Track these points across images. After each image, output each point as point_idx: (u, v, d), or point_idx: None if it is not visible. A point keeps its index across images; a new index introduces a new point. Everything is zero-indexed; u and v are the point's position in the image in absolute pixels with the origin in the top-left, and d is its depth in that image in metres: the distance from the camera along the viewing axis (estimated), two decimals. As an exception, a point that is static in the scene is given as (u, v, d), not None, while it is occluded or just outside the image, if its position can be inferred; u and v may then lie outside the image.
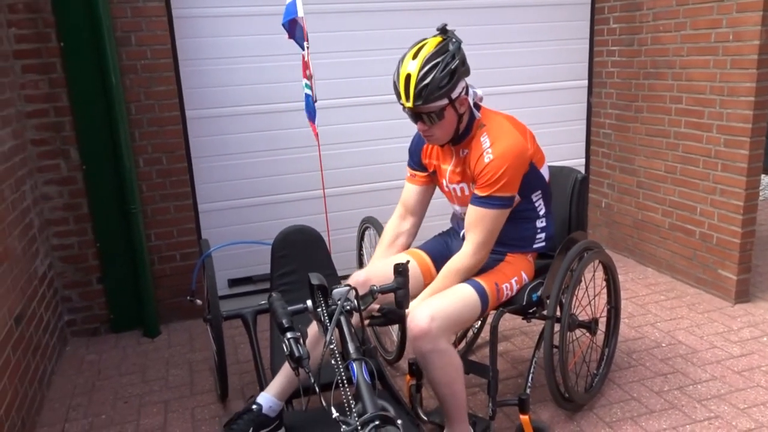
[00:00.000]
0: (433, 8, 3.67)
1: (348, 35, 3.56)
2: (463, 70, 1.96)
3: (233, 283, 3.65)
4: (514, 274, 2.18)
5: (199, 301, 2.69)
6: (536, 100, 4.06)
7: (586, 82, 4.19)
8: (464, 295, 2.02)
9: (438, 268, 2.22)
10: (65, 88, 3.02)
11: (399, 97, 1.96)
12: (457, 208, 2.27)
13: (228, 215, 3.56)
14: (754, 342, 2.95)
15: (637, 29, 3.75)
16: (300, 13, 2.80)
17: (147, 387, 2.82)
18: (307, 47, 2.86)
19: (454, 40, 1.97)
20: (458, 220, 2.33)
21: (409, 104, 1.94)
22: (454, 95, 1.96)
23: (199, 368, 2.98)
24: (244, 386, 2.79)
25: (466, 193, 2.15)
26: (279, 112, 3.52)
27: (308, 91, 2.89)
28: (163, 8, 3.11)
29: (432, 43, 1.95)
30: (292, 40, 2.88)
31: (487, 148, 2.00)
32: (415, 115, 1.98)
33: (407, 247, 2.34)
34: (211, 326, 2.51)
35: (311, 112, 2.90)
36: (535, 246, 2.24)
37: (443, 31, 1.99)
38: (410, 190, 2.30)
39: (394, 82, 1.97)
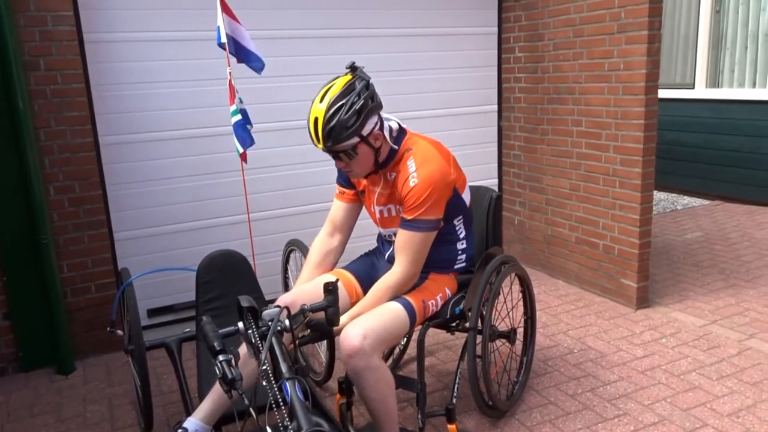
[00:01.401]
0: (351, 36, 3.79)
1: (269, 61, 3.59)
2: (372, 106, 2.02)
3: (153, 312, 3.54)
4: (438, 291, 2.28)
5: (120, 332, 2.60)
6: (450, 124, 4.26)
7: (496, 107, 4.44)
8: (394, 312, 2.09)
9: (364, 288, 2.29)
10: (-34, 114, 2.87)
11: (312, 139, 2.03)
12: (381, 230, 2.35)
13: (146, 243, 3.46)
14: (655, 343, 3.21)
15: (540, 58, 4.04)
16: (222, 39, 2.83)
17: (63, 426, 2.68)
18: (230, 72, 2.89)
19: (361, 78, 2.03)
20: (383, 241, 2.41)
21: (321, 145, 2.02)
22: (364, 132, 2.02)
23: (119, 402, 2.86)
24: (168, 417, 2.71)
25: (393, 214, 2.23)
26: (198, 137, 3.49)
27: (238, 117, 2.90)
28: (74, 32, 3.03)
29: (339, 84, 2.02)
30: (225, 65, 2.91)
31: (413, 172, 2.08)
32: (331, 153, 2.06)
33: (334, 265, 2.39)
34: (133, 357, 2.44)
35: (243, 138, 2.91)
36: (456, 267, 2.36)
37: (353, 69, 2.07)
38: (339, 207, 2.37)
39: (307, 125, 2.03)
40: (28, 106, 2.92)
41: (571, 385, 2.84)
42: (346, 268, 2.40)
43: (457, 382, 2.39)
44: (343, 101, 1.98)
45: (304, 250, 2.73)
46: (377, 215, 2.30)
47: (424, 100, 4.14)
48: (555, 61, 3.93)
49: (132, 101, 3.32)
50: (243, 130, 2.93)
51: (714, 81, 6.13)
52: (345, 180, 2.35)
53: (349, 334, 1.95)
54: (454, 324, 2.39)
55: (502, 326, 2.70)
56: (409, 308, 2.12)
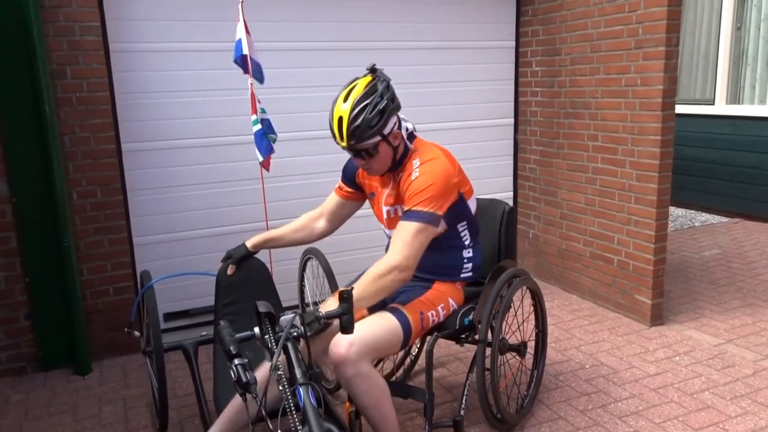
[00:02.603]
0: (373, 48, 3.85)
1: (288, 72, 3.66)
2: (393, 107, 2.10)
3: (169, 317, 3.60)
4: (441, 301, 2.28)
5: (137, 333, 2.66)
6: (466, 137, 4.29)
7: (512, 120, 4.46)
8: (386, 324, 2.09)
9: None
10: (-5, 119, 2.96)
11: (334, 137, 2.09)
12: (387, 231, 2.37)
13: (164, 248, 3.53)
14: (668, 361, 3.19)
15: (557, 72, 4.06)
16: (245, 51, 2.90)
17: (79, 426, 2.74)
18: (251, 83, 2.95)
19: (382, 79, 2.10)
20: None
21: (344, 143, 2.08)
22: (386, 131, 2.09)
23: (134, 404, 2.91)
24: (182, 420, 2.75)
25: (399, 214, 2.23)
26: (217, 146, 3.56)
27: (258, 127, 2.96)
28: (100, 42, 3.12)
29: (362, 84, 2.08)
30: (246, 76, 2.98)
31: (416, 168, 2.14)
32: (353, 151, 2.12)
33: (306, 243, 2.53)
34: (151, 358, 2.49)
35: (264, 147, 2.97)
36: (462, 275, 2.36)
37: (372, 70, 2.12)
38: (333, 199, 2.49)
39: (330, 124, 2.09)
40: (55, 113, 3.01)
41: (582, 400, 2.84)
42: (352, 284, 2.39)
43: (465, 393, 2.40)
44: (368, 101, 2.04)
45: (321, 259, 2.77)
46: (384, 215, 2.33)
47: (441, 113, 4.17)
48: (572, 75, 3.95)
49: (154, 109, 3.40)
50: (263, 139, 2.98)
51: (734, 97, 6.09)
52: (349, 180, 2.43)
53: (335, 343, 1.97)
54: (463, 336, 2.40)
55: (513, 339, 2.71)
56: (404, 322, 2.12)
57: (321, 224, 2.52)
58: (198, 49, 3.43)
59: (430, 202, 2.08)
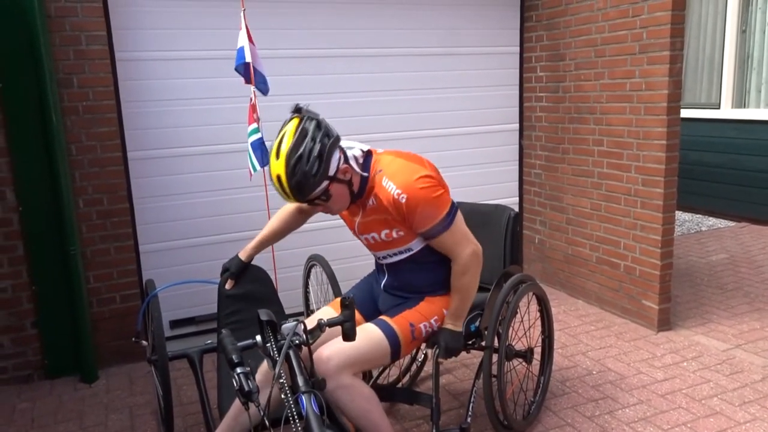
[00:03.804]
0: (372, 55, 3.86)
1: (295, 80, 3.67)
2: (330, 144, 1.91)
3: (175, 324, 3.60)
4: (434, 313, 2.20)
5: (144, 342, 2.66)
6: (471, 142, 4.29)
7: (517, 126, 4.46)
8: (367, 335, 2.05)
9: (365, 314, 2.27)
10: (2, 128, 2.98)
11: (281, 196, 1.94)
12: (373, 252, 2.28)
13: (170, 256, 3.54)
14: (676, 367, 3.17)
15: (561, 77, 4.06)
16: (247, 58, 2.91)
17: (85, 434, 2.75)
18: (254, 91, 2.96)
19: (310, 118, 1.92)
20: (378, 267, 2.36)
21: (292, 200, 1.96)
22: (331, 172, 1.93)
23: (140, 412, 2.92)
24: (188, 428, 2.75)
25: (381, 238, 2.14)
26: (222, 153, 3.57)
27: (257, 135, 2.97)
28: (106, 51, 3.14)
29: (290, 132, 1.89)
30: (248, 85, 2.99)
31: (395, 190, 1.99)
32: (305, 203, 2.00)
33: (296, 227, 2.46)
34: (156, 367, 2.49)
35: (261, 156, 2.98)
36: None
37: (297, 110, 1.96)
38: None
39: (272, 182, 1.94)
40: (61, 121, 3.03)
41: (589, 406, 2.82)
42: (347, 295, 2.31)
43: (472, 400, 2.39)
44: (300, 151, 1.86)
45: (325, 266, 2.77)
46: (363, 242, 2.24)
47: (445, 119, 4.17)
48: (576, 80, 3.94)
49: (159, 118, 3.41)
50: (261, 149, 2.98)
51: (740, 101, 6.06)
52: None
53: (316, 358, 1.95)
54: (469, 342, 2.39)
55: (519, 345, 2.70)
56: (389, 332, 2.09)
57: (302, 219, 2.44)
58: (201, 57, 3.45)
59: (440, 205, 2.03)
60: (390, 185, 2.00)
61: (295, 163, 1.86)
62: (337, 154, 1.95)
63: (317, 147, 1.87)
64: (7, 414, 2.92)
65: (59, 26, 3.01)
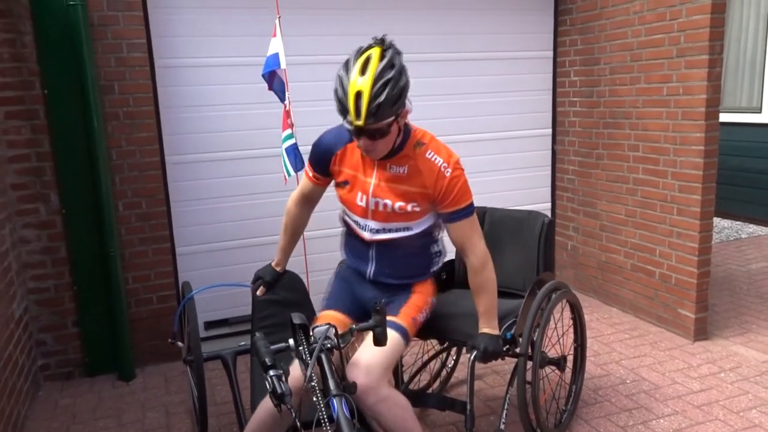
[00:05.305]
0: (409, 60, 3.83)
1: (324, 86, 3.71)
2: (408, 83, 1.92)
3: (209, 325, 3.67)
4: (424, 303, 2.26)
5: (180, 343, 2.72)
6: (504, 147, 4.27)
7: (550, 131, 4.42)
8: (390, 339, 2.02)
9: (354, 318, 2.24)
10: (47, 134, 3.09)
11: (346, 113, 1.87)
12: (360, 220, 2.17)
13: (206, 258, 3.61)
14: (713, 378, 3.09)
15: (596, 82, 4.01)
16: (282, 65, 2.95)
17: (123, 430, 2.82)
18: (288, 98, 3.00)
19: (397, 52, 1.90)
20: (358, 256, 2.28)
21: (360, 122, 1.85)
22: (401, 109, 1.93)
23: (176, 411, 2.98)
24: (221, 427, 2.80)
25: (389, 210, 2.10)
26: (257, 158, 3.63)
27: (291, 141, 3.01)
28: (146, 59, 3.23)
29: (376, 56, 1.86)
30: (271, 91, 3.03)
31: (442, 164, 2.04)
32: (360, 131, 1.90)
33: (304, 222, 2.46)
34: (191, 368, 2.55)
35: (295, 161, 3.02)
36: (433, 269, 2.31)
37: (381, 41, 1.90)
38: (311, 185, 2.30)
39: (340, 99, 1.87)
40: (103, 127, 3.12)
41: (623, 416, 2.78)
42: (331, 307, 2.29)
43: (505, 407, 2.38)
44: (389, 76, 1.83)
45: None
46: (371, 206, 2.13)
47: (479, 124, 4.17)
48: (611, 85, 3.89)
49: (195, 123, 3.49)
50: (295, 154, 3.02)
51: (783, 105, 5.90)
52: (322, 169, 2.22)
53: (352, 375, 1.94)
54: (504, 349, 2.38)
55: (552, 353, 2.67)
56: (402, 332, 2.12)
57: (307, 212, 2.44)
58: (236, 63, 3.51)
59: (467, 192, 2.10)
60: (436, 158, 2.05)
61: (383, 84, 1.83)
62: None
63: (403, 80, 1.88)
64: (50, 409, 3.02)
65: (101, 35, 3.11)
